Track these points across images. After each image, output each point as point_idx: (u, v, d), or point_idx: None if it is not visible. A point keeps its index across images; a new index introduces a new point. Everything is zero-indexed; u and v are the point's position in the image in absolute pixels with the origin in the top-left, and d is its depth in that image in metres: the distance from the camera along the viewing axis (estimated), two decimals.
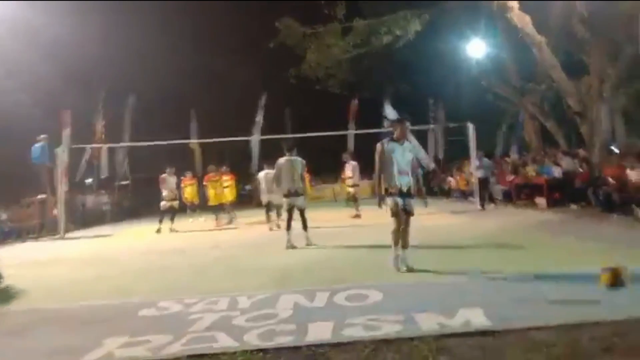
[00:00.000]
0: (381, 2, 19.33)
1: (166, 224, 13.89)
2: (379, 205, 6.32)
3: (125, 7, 24.92)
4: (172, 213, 14.23)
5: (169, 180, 14.20)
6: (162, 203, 14.10)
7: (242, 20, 28.51)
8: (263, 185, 13.00)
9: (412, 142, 6.44)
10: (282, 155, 9.47)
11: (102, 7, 23.56)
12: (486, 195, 15.68)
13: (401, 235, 6.21)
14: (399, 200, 6.12)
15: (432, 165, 23.96)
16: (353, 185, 14.60)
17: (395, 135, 6.30)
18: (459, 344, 3.48)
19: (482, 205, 15.00)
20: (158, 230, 13.70)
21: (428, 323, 3.96)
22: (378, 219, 12.77)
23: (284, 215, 9.70)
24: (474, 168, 16.18)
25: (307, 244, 8.99)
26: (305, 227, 9.20)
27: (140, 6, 24.82)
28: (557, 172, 14.67)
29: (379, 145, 6.28)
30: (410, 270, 6.00)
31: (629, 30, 13.14)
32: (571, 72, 15.47)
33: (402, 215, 6.16)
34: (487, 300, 4.48)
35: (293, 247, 8.86)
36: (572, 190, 13.52)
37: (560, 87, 15.76)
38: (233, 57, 28.54)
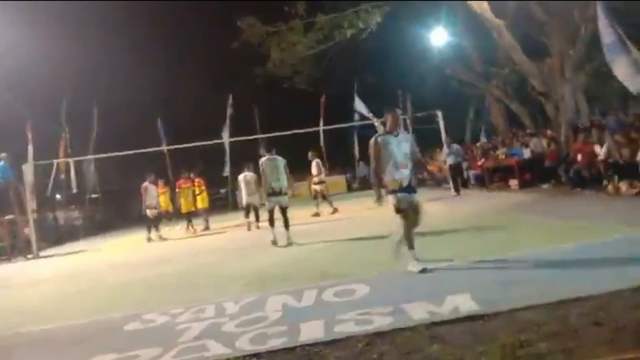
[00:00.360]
0: None
1: (143, 234, 13.74)
2: (378, 202, 5.82)
3: (84, 17, 24.32)
4: (154, 222, 14.13)
5: (150, 189, 14.06)
6: (148, 212, 13.95)
7: (203, 21, 28.15)
8: (243, 188, 12.95)
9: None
10: (255, 155, 9.54)
11: (59, 19, 22.86)
12: (460, 181, 15.90)
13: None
14: (402, 197, 5.60)
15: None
16: (319, 183, 14.56)
17: (387, 127, 5.91)
18: (451, 330, 3.50)
19: (457, 191, 15.20)
20: (148, 239, 13.71)
21: (418, 312, 3.97)
22: (354, 213, 12.90)
23: (263, 216, 9.66)
24: (445, 155, 16.40)
25: (289, 243, 9.00)
26: (287, 226, 9.20)
27: (99, 13, 24.29)
28: (526, 153, 14.97)
29: (372, 141, 5.85)
30: (423, 270, 5.37)
31: (585, 11, 13.47)
32: (532, 54, 15.79)
33: (410, 213, 5.63)
34: (473, 285, 4.53)
35: (276, 244, 8.98)
36: (542, 170, 13.82)
37: (523, 69, 16.08)
38: (197, 61, 28.20)
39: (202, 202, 15.36)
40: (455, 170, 15.94)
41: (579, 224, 7.19)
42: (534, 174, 14.26)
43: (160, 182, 16.19)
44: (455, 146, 16.52)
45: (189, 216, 15.16)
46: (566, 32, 14.64)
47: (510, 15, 16.10)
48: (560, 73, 14.65)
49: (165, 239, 13.79)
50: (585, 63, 15.36)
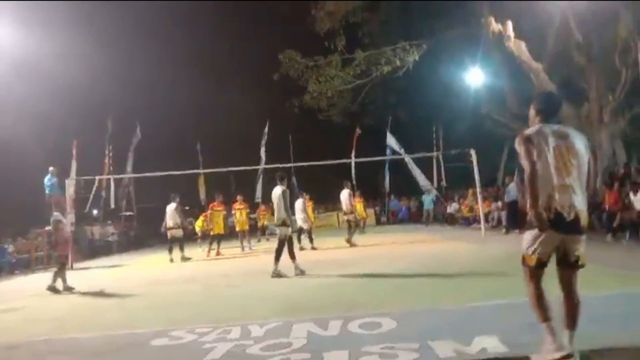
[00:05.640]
0: (380, 34, 19.84)
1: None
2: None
3: (130, 39, 25.50)
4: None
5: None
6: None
7: (246, 52, 29.22)
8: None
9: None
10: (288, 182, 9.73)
11: (106, 39, 24.03)
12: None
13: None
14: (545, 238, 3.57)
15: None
16: (349, 213, 14.79)
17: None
18: None
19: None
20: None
21: (444, 350, 3.92)
22: (383, 246, 12.83)
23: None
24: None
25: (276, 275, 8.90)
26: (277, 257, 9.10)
27: (145, 37, 25.40)
28: None
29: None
30: None
31: (625, 56, 13.39)
32: (570, 99, 15.66)
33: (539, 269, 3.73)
34: (502, 327, 4.45)
35: (279, 275, 8.84)
36: None
37: (560, 114, 15.93)
38: (238, 89, 29.03)
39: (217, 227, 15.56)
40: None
41: (616, 271, 7.01)
42: None
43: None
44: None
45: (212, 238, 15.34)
46: (606, 77, 14.53)
47: (548, 58, 16.09)
48: (599, 119, 14.49)
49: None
50: (624, 109, 15.17)
